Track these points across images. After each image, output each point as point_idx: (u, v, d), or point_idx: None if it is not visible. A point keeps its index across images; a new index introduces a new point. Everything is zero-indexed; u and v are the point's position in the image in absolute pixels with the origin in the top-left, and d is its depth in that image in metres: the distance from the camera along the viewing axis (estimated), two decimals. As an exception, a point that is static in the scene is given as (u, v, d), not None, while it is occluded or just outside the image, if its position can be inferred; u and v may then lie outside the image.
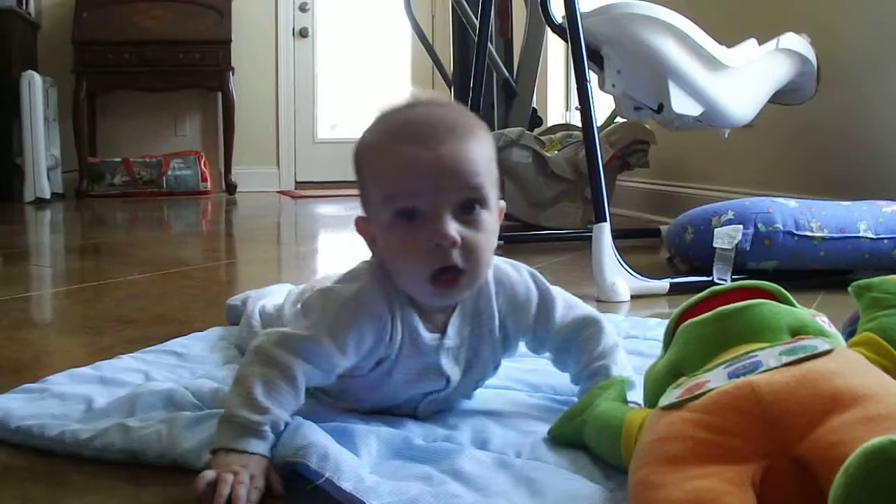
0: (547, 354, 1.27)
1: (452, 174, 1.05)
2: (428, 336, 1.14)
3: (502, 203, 1.14)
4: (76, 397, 1.27)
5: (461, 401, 1.25)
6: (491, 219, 1.09)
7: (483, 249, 1.09)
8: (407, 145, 1.05)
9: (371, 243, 1.15)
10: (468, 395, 1.25)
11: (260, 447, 1.00)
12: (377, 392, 1.17)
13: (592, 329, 1.23)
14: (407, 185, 1.05)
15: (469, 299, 1.16)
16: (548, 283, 1.24)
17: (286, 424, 1.04)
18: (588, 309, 1.26)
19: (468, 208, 1.07)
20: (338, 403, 1.20)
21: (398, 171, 1.05)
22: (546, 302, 1.22)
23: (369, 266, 1.16)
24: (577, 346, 1.23)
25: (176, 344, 1.63)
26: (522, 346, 1.27)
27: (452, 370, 1.17)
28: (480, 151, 1.08)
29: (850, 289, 1.07)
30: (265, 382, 1.03)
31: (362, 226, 1.15)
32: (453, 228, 1.04)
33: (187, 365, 1.50)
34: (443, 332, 1.15)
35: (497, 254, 1.17)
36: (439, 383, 1.17)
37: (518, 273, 1.22)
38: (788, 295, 1.06)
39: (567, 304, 1.24)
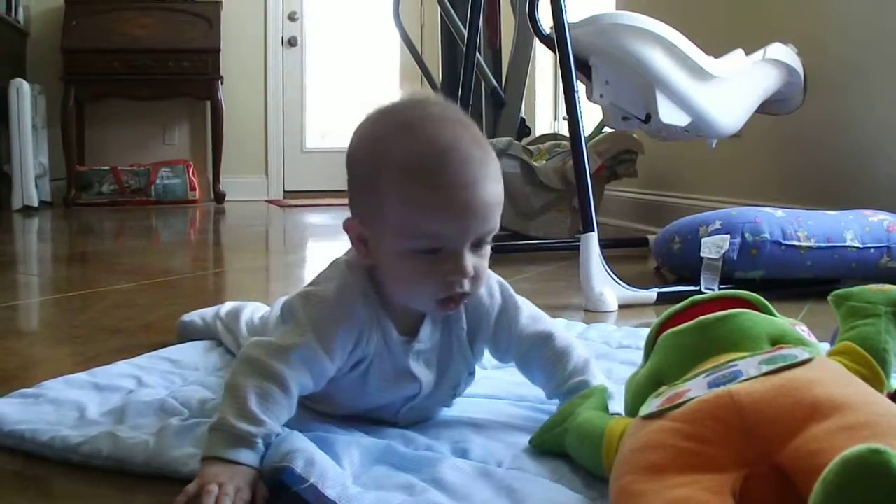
0: (512, 364, 1.27)
1: (483, 219, 1.05)
2: (398, 339, 1.14)
3: None
4: (70, 403, 1.28)
5: (442, 409, 1.25)
6: (491, 239, 1.11)
7: (485, 273, 1.12)
8: (443, 184, 1.03)
9: (359, 243, 1.12)
10: (446, 402, 1.25)
11: (250, 458, 0.99)
12: (355, 396, 1.17)
13: (560, 344, 1.22)
14: (438, 227, 1.04)
15: None
16: (515, 294, 1.24)
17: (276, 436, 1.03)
18: (554, 325, 1.25)
19: (483, 241, 1.08)
20: (315, 406, 1.20)
21: (431, 213, 1.03)
22: (508, 310, 1.22)
23: (345, 265, 1.16)
24: (546, 362, 1.22)
25: (171, 351, 1.64)
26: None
27: (423, 373, 1.16)
28: (500, 185, 1.09)
29: (829, 298, 1.08)
30: (260, 393, 1.02)
31: (353, 226, 1.12)
32: (471, 263, 1.06)
33: (180, 371, 1.50)
34: (413, 335, 1.15)
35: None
36: (413, 387, 1.17)
37: (486, 279, 1.20)
38: (768, 304, 1.07)
39: (532, 316, 1.24)
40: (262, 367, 1.04)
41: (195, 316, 1.78)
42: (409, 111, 1.10)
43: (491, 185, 1.06)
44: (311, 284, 1.18)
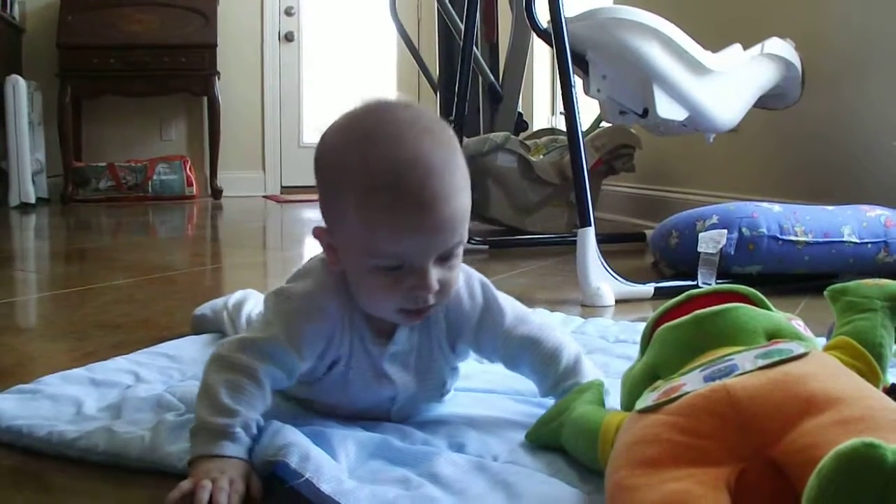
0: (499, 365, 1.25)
1: (448, 234, 1.03)
2: (373, 340, 1.13)
3: None
4: (67, 399, 1.28)
5: (436, 405, 1.25)
6: (461, 249, 1.08)
7: (453, 283, 1.09)
8: (402, 205, 0.99)
9: (328, 250, 1.11)
10: (436, 398, 1.24)
11: (235, 450, 0.99)
12: (340, 396, 1.16)
13: (549, 346, 1.20)
14: (398, 248, 1.02)
15: None
16: (498, 295, 1.21)
17: (259, 426, 1.03)
18: (541, 327, 1.23)
19: (451, 254, 1.06)
20: (314, 405, 1.20)
21: (391, 234, 1.00)
22: (491, 311, 1.19)
23: (321, 264, 1.15)
24: (536, 365, 1.21)
25: (169, 346, 1.64)
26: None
27: (398, 375, 1.15)
28: (466, 196, 1.05)
29: (825, 293, 1.08)
30: (230, 386, 1.02)
31: (322, 235, 1.10)
32: (435, 278, 1.04)
33: (177, 366, 1.51)
34: (389, 336, 1.14)
35: (481, 258, 1.16)
36: (390, 388, 1.16)
37: (468, 280, 1.19)
38: (764, 299, 1.07)
39: (518, 317, 1.21)
40: (229, 361, 1.05)
41: (206, 308, 1.79)
42: (372, 118, 1.05)
43: (454, 200, 1.02)
44: (288, 280, 1.18)
